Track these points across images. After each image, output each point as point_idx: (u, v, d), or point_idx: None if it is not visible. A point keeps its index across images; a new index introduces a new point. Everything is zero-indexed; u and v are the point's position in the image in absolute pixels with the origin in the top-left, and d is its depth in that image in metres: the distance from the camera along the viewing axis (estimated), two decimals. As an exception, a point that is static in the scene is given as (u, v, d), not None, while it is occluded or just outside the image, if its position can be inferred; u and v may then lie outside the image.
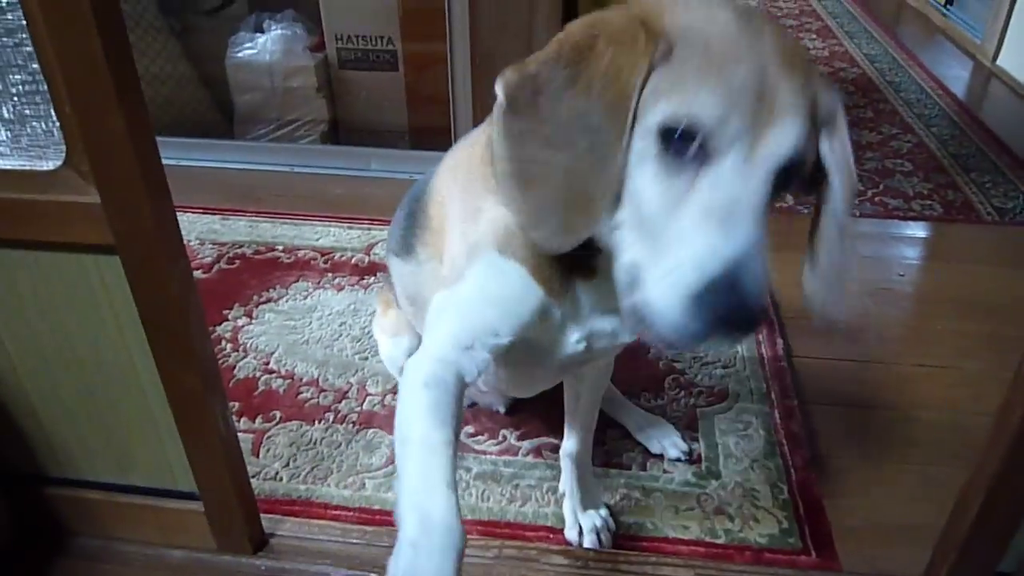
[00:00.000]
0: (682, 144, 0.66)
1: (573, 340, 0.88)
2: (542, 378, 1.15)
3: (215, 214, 2.14)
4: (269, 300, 1.81)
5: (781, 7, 4.21)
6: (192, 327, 0.97)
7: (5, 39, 0.81)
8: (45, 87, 0.82)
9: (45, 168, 0.87)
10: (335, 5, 2.42)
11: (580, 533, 1.26)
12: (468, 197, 0.88)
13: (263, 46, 2.44)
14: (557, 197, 0.72)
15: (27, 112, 0.85)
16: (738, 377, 1.58)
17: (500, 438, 1.44)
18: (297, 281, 1.88)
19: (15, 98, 0.84)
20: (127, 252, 0.90)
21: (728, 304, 0.63)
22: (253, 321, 1.74)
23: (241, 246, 2.01)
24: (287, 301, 1.81)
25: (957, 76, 3.25)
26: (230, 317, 1.75)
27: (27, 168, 0.88)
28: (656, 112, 0.67)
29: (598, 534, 1.25)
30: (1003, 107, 2.96)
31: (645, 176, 0.69)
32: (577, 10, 2.24)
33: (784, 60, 0.67)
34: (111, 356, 1.04)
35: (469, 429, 1.46)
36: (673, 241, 0.67)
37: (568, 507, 1.28)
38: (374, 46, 2.44)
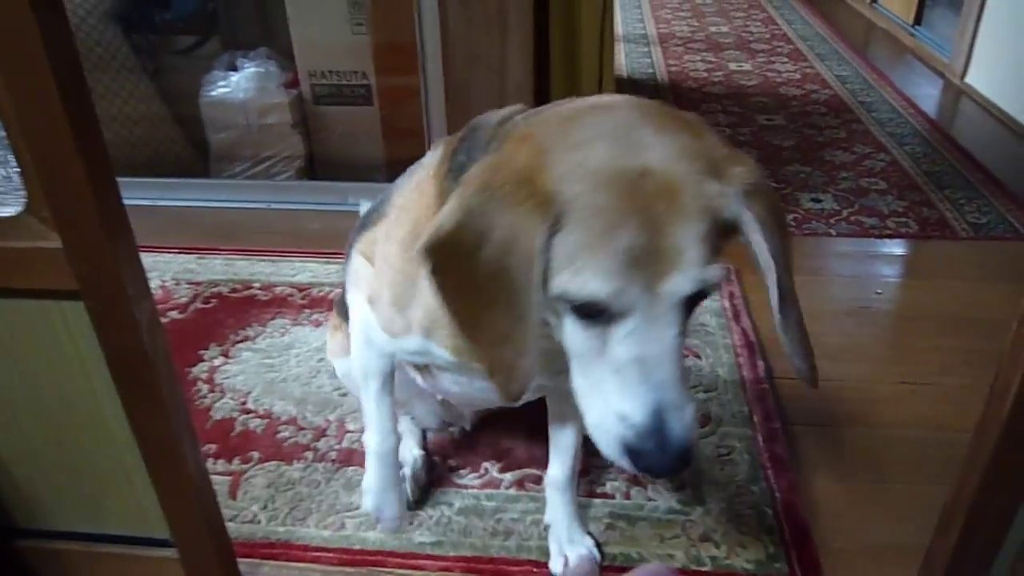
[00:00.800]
0: (587, 309, 0.71)
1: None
2: (487, 399, 1.20)
3: (191, 253, 2.13)
4: (246, 338, 1.79)
5: (752, 32, 4.27)
6: (160, 372, 0.95)
7: (-39, 86, 0.79)
8: (3, 134, 0.81)
9: (5, 214, 0.86)
10: (308, 42, 2.43)
11: (566, 565, 1.24)
12: (403, 256, 0.96)
13: (237, 84, 2.44)
14: (501, 357, 0.77)
15: (-14, 159, 0.83)
16: (720, 401, 1.58)
17: (482, 471, 1.43)
18: (274, 318, 1.86)
19: (-28, 145, 0.83)
20: (91, 297, 0.89)
21: (653, 450, 0.70)
22: (230, 360, 1.72)
23: (217, 285, 1.99)
24: (264, 339, 1.79)
25: (927, 95, 3.30)
26: (206, 357, 1.73)
27: (-13, 215, 0.87)
28: (558, 284, 0.71)
29: (584, 565, 1.24)
30: (973, 124, 3.01)
31: (566, 325, 0.74)
32: (549, 41, 2.27)
33: (671, 204, 0.69)
34: (79, 403, 1.02)
35: (452, 463, 1.44)
36: (599, 386, 0.74)
37: (553, 538, 1.27)
38: (348, 81, 2.45)
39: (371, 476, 1.24)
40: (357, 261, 1.15)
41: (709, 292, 0.73)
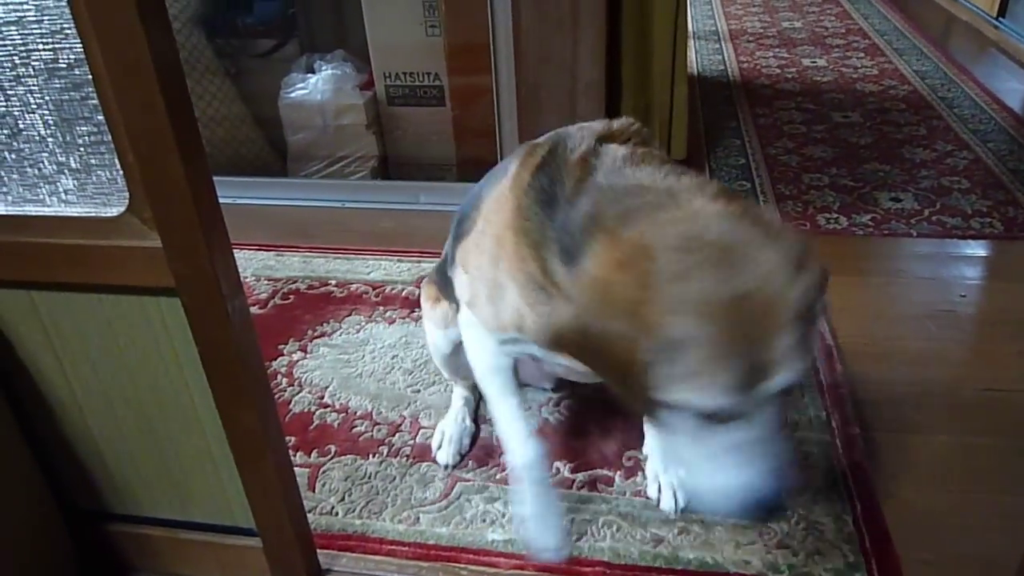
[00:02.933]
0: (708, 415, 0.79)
1: None
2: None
3: (270, 250, 2.19)
4: (323, 334, 1.84)
5: (826, 27, 4.16)
6: (250, 366, 0.99)
7: (72, 93, 0.84)
8: (109, 137, 0.86)
9: (109, 214, 0.91)
10: (383, 44, 2.47)
11: (659, 491, 1.35)
12: (492, 264, 1.06)
13: (314, 86, 2.50)
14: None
15: (92, 161, 0.88)
16: (797, 406, 1.55)
17: (554, 471, 1.43)
18: (350, 315, 1.90)
19: (81, 148, 0.87)
20: (187, 294, 0.93)
21: (745, 511, 0.83)
22: (308, 355, 1.77)
23: (295, 281, 2.05)
24: (340, 335, 1.83)
25: (1012, 89, 3.17)
26: (285, 352, 1.78)
27: (92, 215, 0.91)
28: (680, 397, 0.78)
29: (674, 491, 1.34)
30: (1064, 120, 2.87)
31: (679, 418, 0.82)
32: (621, 40, 2.26)
33: (771, 319, 0.75)
34: (171, 395, 1.06)
35: (522, 461, 1.45)
36: (698, 459, 0.85)
37: (650, 467, 1.39)
38: (421, 82, 2.48)
39: (525, 497, 1.22)
40: (459, 270, 1.20)
41: None
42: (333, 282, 2.04)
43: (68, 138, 0.87)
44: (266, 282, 2.05)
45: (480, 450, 1.49)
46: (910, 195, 2.33)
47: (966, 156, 2.57)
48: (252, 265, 2.12)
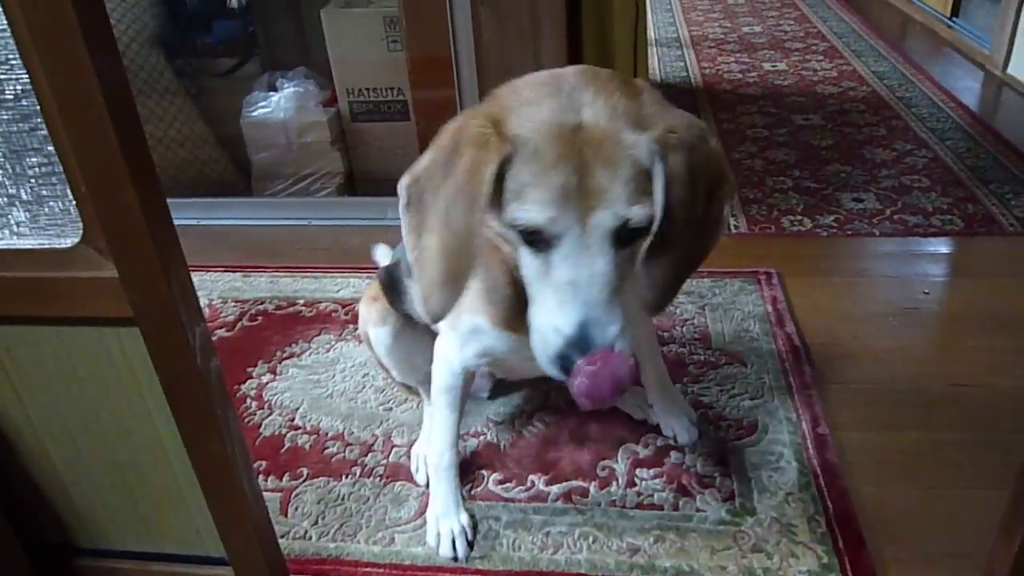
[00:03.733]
0: (533, 236, 0.88)
1: None
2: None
3: (236, 271, 2.17)
4: (292, 355, 1.82)
5: (786, 31, 4.22)
6: (214, 395, 0.97)
7: (21, 124, 0.83)
8: (60, 168, 0.84)
9: (63, 246, 0.89)
10: (345, 60, 2.47)
11: (673, 430, 1.50)
12: None
13: (277, 104, 2.49)
14: (435, 276, 0.93)
15: (44, 192, 0.86)
16: (766, 408, 1.56)
17: (528, 484, 1.43)
18: (319, 334, 1.89)
19: (32, 180, 0.85)
20: (146, 323, 0.91)
21: (579, 356, 0.87)
22: (277, 377, 1.75)
23: (263, 302, 2.03)
24: (310, 355, 1.82)
25: (968, 87, 3.23)
26: (254, 374, 1.76)
27: (46, 247, 0.90)
28: (509, 213, 0.88)
29: (688, 426, 1.50)
30: (1017, 116, 2.94)
31: (521, 256, 0.92)
32: (582, 51, 2.27)
33: (598, 150, 0.84)
34: (135, 425, 1.04)
35: (497, 476, 1.44)
36: (543, 306, 0.91)
37: (659, 412, 1.53)
38: (385, 97, 2.48)
39: (435, 498, 1.36)
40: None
41: (641, 231, 0.88)
42: (301, 301, 2.03)
43: (18, 170, 0.86)
44: (233, 304, 2.03)
45: (454, 466, 1.48)
46: (872, 195, 2.37)
47: (925, 155, 2.61)
48: (218, 287, 2.10)
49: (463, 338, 1.22)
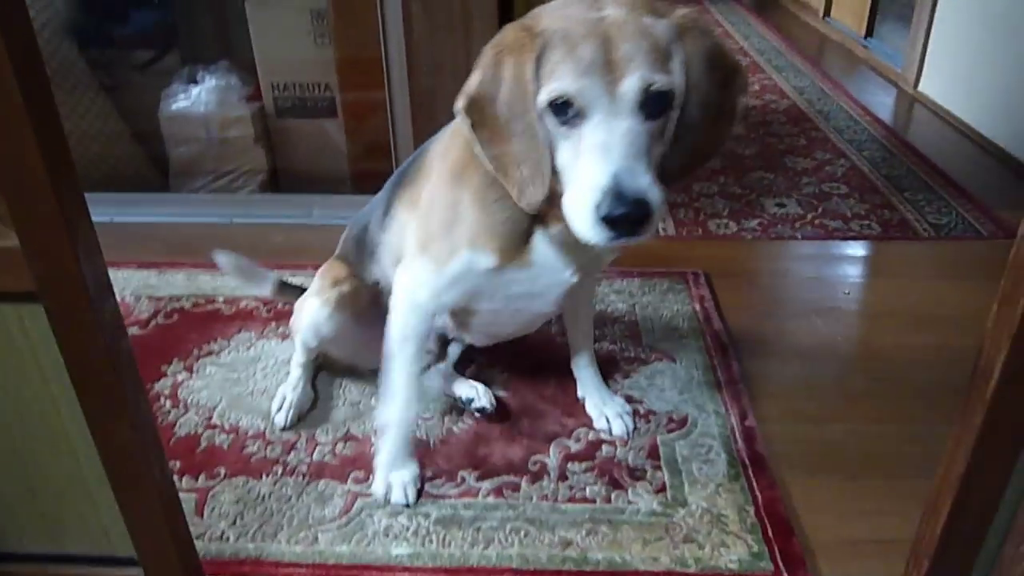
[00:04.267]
0: (566, 112, 0.95)
1: (568, 275, 1.21)
2: (543, 313, 1.37)
3: (151, 268, 2.07)
4: (210, 353, 1.74)
5: (710, 46, 4.33)
6: (123, 376, 0.91)
7: (-92, 74, 0.75)
8: (-46, 125, 0.77)
9: (-43, 213, 0.82)
10: (270, 55, 2.40)
11: (607, 421, 1.50)
12: (451, 185, 1.17)
13: (197, 97, 2.40)
14: (524, 173, 1.01)
15: (-65, 152, 0.79)
16: (695, 401, 1.57)
17: (459, 480, 1.39)
18: (239, 332, 1.81)
19: (-79, 138, 0.78)
20: (50, 297, 0.85)
21: (616, 204, 0.92)
22: (194, 375, 1.67)
23: (179, 299, 1.94)
24: (229, 353, 1.74)
25: (882, 103, 3.37)
26: (169, 373, 1.67)
27: (-63, 214, 0.82)
28: (541, 94, 0.96)
29: (621, 417, 1.50)
30: (928, 130, 3.07)
31: (557, 142, 0.99)
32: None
33: (620, 26, 0.93)
34: (37, 414, 0.97)
35: (427, 473, 1.40)
36: (577, 178, 0.97)
37: (591, 405, 1.54)
38: (311, 93, 2.42)
39: (387, 447, 1.36)
40: (403, 216, 1.30)
41: (665, 101, 0.95)
42: (221, 299, 1.95)
43: (-96, 126, 0.78)
44: (147, 301, 1.93)
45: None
46: (794, 200, 2.43)
47: (843, 164, 2.70)
48: (131, 284, 2.00)
49: (449, 279, 1.21)
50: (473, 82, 1.02)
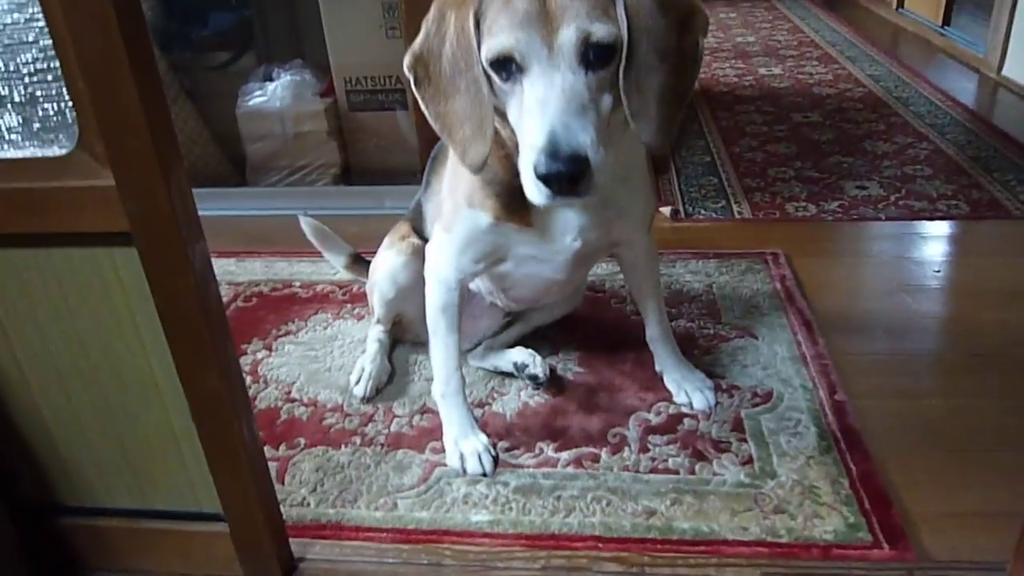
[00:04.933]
0: (508, 68, 0.94)
1: (569, 240, 1.20)
2: (554, 279, 1.34)
3: (230, 257, 2.11)
4: (288, 333, 1.76)
5: (779, 40, 4.25)
6: (213, 321, 0.92)
7: (16, 15, 0.78)
8: (57, 64, 0.79)
9: (57, 153, 0.84)
10: (343, 49, 2.44)
11: (687, 395, 1.45)
12: (454, 162, 1.21)
13: (273, 93, 2.46)
14: (466, 132, 1.00)
15: (38, 93, 0.82)
16: (780, 376, 1.51)
17: (537, 451, 1.37)
18: (316, 314, 1.83)
19: (26, 78, 0.81)
20: (143, 238, 0.86)
21: (550, 162, 0.90)
22: (273, 354, 1.69)
23: (258, 284, 1.97)
24: (307, 333, 1.76)
25: (964, 88, 3.24)
26: (249, 351, 1.70)
27: (39, 155, 0.85)
28: (483, 51, 0.95)
29: (702, 391, 1.45)
30: (1015, 112, 2.94)
31: (506, 100, 0.98)
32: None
33: None
34: (128, 361, 0.98)
35: (504, 444, 1.38)
36: (522, 140, 0.95)
37: (670, 379, 1.49)
38: (383, 86, 2.45)
39: (448, 418, 1.37)
40: (435, 185, 1.36)
41: (607, 52, 0.93)
42: (297, 283, 1.97)
43: (12, 67, 0.81)
44: (227, 286, 1.97)
45: (459, 435, 1.42)
46: (875, 183, 2.35)
47: (926, 147, 2.60)
48: (212, 270, 2.04)
49: (461, 240, 1.23)
50: (418, 39, 1.02)
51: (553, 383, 1.53)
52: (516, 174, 1.02)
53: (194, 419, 0.99)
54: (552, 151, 0.89)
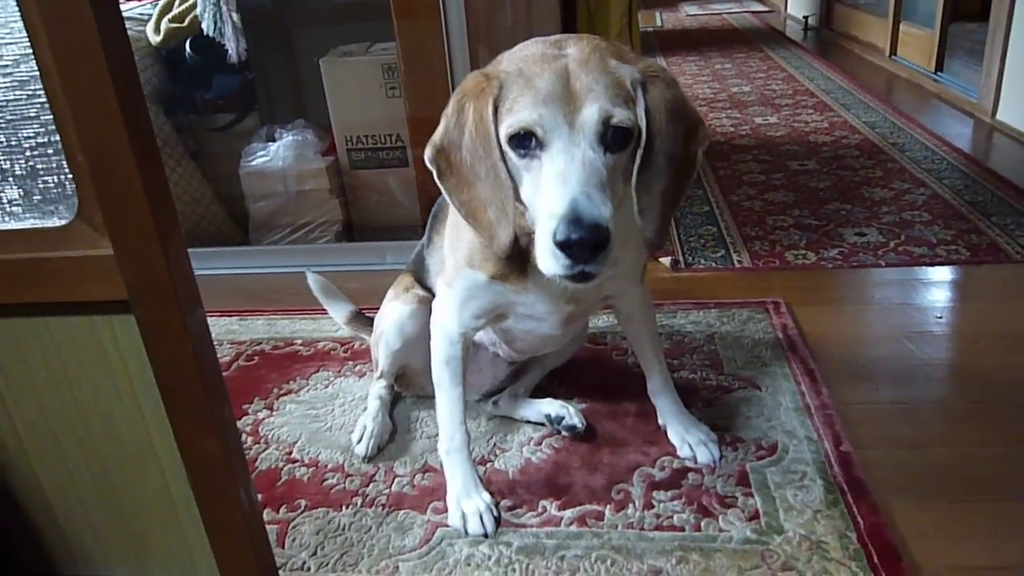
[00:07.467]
0: (527, 144, 0.96)
1: (563, 303, 1.24)
2: (551, 335, 1.37)
3: (232, 316, 2.12)
4: (290, 392, 1.76)
5: (774, 89, 4.31)
6: (210, 387, 0.92)
7: (18, 92, 0.80)
8: (57, 138, 0.81)
9: (57, 224, 0.85)
10: (344, 108, 2.48)
11: (691, 448, 1.44)
12: (457, 222, 1.23)
13: (276, 153, 2.50)
14: (491, 217, 1.02)
15: (39, 166, 0.83)
16: (784, 427, 1.50)
17: (540, 509, 1.35)
18: (317, 371, 1.83)
19: (27, 152, 0.82)
20: (141, 306, 0.87)
21: (572, 228, 0.90)
22: (274, 413, 1.68)
23: (259, 343, 1.98)
24: (308, 391, 1.76)
25: (959, 133, 3.27)
26: (250, 411, 1.69)
27: (39, 226, 0.86)
28: (502, 129, 0.97)
29: (706, 445, 1.43)
30: (1011, 156, 2.96)
31: (520, 176, 1.00)
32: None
33: (581, 63, 0.95)
34: (126, 429, 0.98)
35: (507, 503, 1.37)
36: (539, 212, 0.96)
37: (673, 433, 1.48)
38: (384, 144, 2.49)
39: (452, 477, 1.36)
40: (437, 241, 1.39)
41: (624, 136, 0.96)
42: (299, 341, 1.98)
43: (13, 142, 0.83)
44: (229, 345, 1.98)
45: (461, 493, 1.40)
46: (874, 229, 2.36)
47: (923, 192, 2.62)
48: (214, 330, 2.01)
49: (460, 298, 1.26)
50: (439, 132, 1.05)
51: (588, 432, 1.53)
52: (516, 239, 1.05)
53: (191, 484, 0.98)
54: (574, 218, 0.90)
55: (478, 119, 0.99)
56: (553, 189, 0.93)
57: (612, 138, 0.95)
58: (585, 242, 0.90)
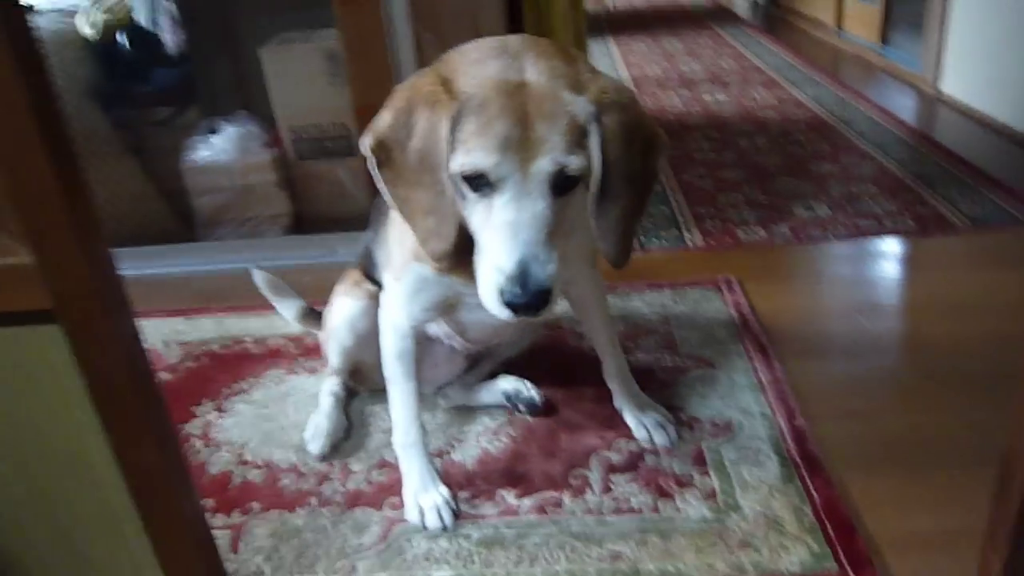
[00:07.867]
0: (478, 183, 0.96)
1: None
2: (504, 323, 1.28)
3: (178, 316, 2.07)
4: (240, 391, 1.72)
5: (723, 67, 4.33)
6: (145, 393, 0.88)
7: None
8: (-37, 142, 0.77)
9: (-30, 233, 0.81)
10: (287, 99, 2.43)
11: (647, 430, 1.44)
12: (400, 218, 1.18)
13: (219, 146, 2.43)
14: (429, 224, 1.02)
15: (-55, 172, 0.78)
16: (740, 406, 1.51)
17: (498, 499, 1.34)
18: (269, 370, 1.79)
19: (-69, 157, 0.78)
20: (66, 315, 0.83)
21: (519, 294, 0.94)
22: (224, 415, 1.64)
23: (208, 343, 1.93)
24: (259, 390, 1.72)
25: (904, 106, 3.32)
26: (199, 413, 1.65)
27: (-50, 236, 0.81)
28: (455, 161, 0.95)
29: (663, 427, 1.44)
30: (954, 128, 3.02)
31: (467, 204, 0.99)
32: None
33: (538, 102, 0.93)
34: (61, 444, 0.94)
35: (465, 494, 1.35)
36: (487, 250, 0.98)
37: (629, 415, 1.47)
38: (329, 134, 2.44)
39: (408, 471, 1.35)
40: (383, 234, 1.34)
41: (576, 180, 0.97)
42: (249, 340, 1.93)
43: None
44: (176, 346, 1.92)
45: (418, 488, 1.39)
46: (823, 204, 2.38)
47: (870, 165, 2.65)
48: (160, 332, 1.99)
49: (409, 291, 1.25)
50: (383, 123, 1.01)
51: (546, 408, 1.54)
52: (460, 232, 1.03)
53: (132, 496, 0.95)
54: (521, 282, 0.93)
55: (429, 131, 0.96)
56: (502, 241, 0.95)
57: (563, 184, 0.96)
58: (530, 305, 0.94)
